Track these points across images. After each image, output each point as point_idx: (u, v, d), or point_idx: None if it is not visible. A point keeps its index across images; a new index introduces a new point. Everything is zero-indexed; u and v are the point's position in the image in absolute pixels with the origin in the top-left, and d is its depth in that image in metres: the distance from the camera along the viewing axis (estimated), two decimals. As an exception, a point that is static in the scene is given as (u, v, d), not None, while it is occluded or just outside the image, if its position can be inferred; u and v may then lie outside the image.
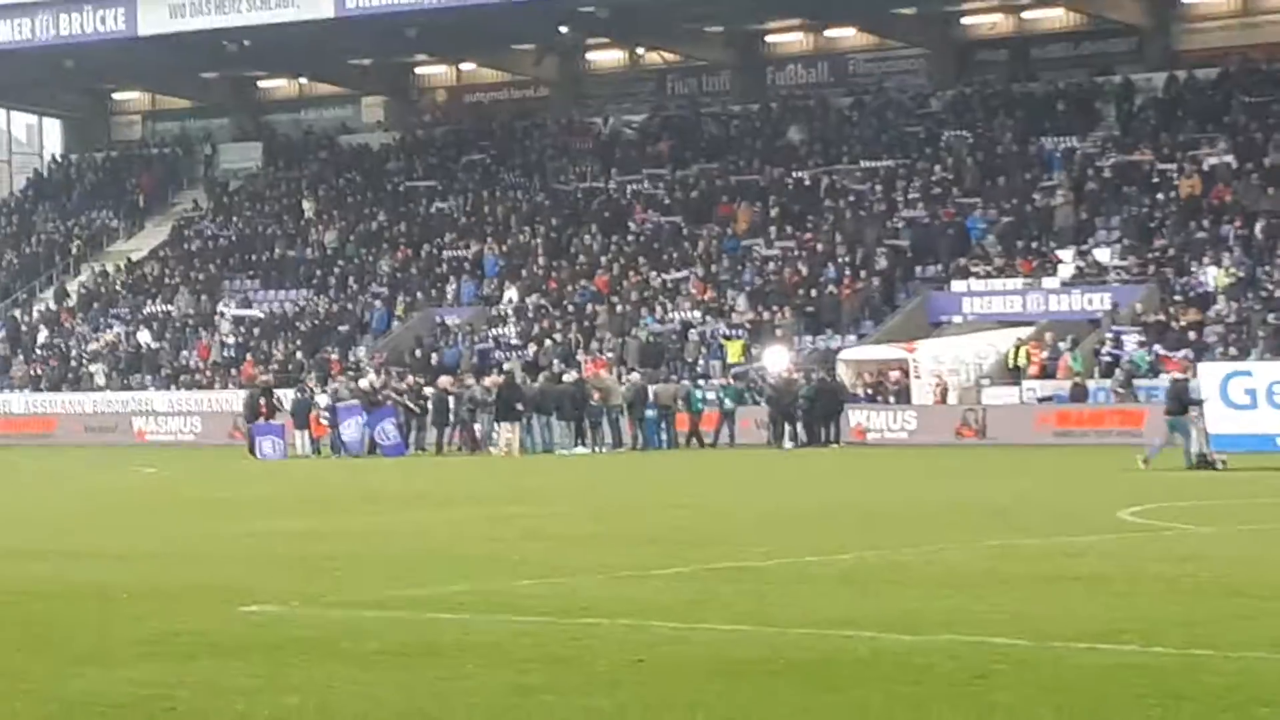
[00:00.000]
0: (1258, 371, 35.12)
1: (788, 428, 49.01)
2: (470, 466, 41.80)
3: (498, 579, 16.19)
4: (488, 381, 50.22)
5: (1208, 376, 34.47)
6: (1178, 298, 52.25)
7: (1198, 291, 52.14)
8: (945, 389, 51.81)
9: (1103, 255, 55.08)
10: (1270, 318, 49.73)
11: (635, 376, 51.28)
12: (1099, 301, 53.52)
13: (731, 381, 53.32)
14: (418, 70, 78.92)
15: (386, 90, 78.95)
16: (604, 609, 13.89)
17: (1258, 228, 53.56)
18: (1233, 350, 49.11)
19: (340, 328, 65.09)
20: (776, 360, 53.31)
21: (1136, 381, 49.06)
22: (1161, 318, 51.32)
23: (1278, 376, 34.38)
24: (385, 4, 64.32)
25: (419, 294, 66.27)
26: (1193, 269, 53.19)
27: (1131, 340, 50.81)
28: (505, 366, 57.64)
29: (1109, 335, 51.61)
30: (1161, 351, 49.86)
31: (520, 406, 47.95)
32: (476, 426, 48.68)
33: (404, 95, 79.18)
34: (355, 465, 43.18)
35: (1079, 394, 49.50)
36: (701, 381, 53.86)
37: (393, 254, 69.06)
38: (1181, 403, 33.84)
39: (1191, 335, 50.25)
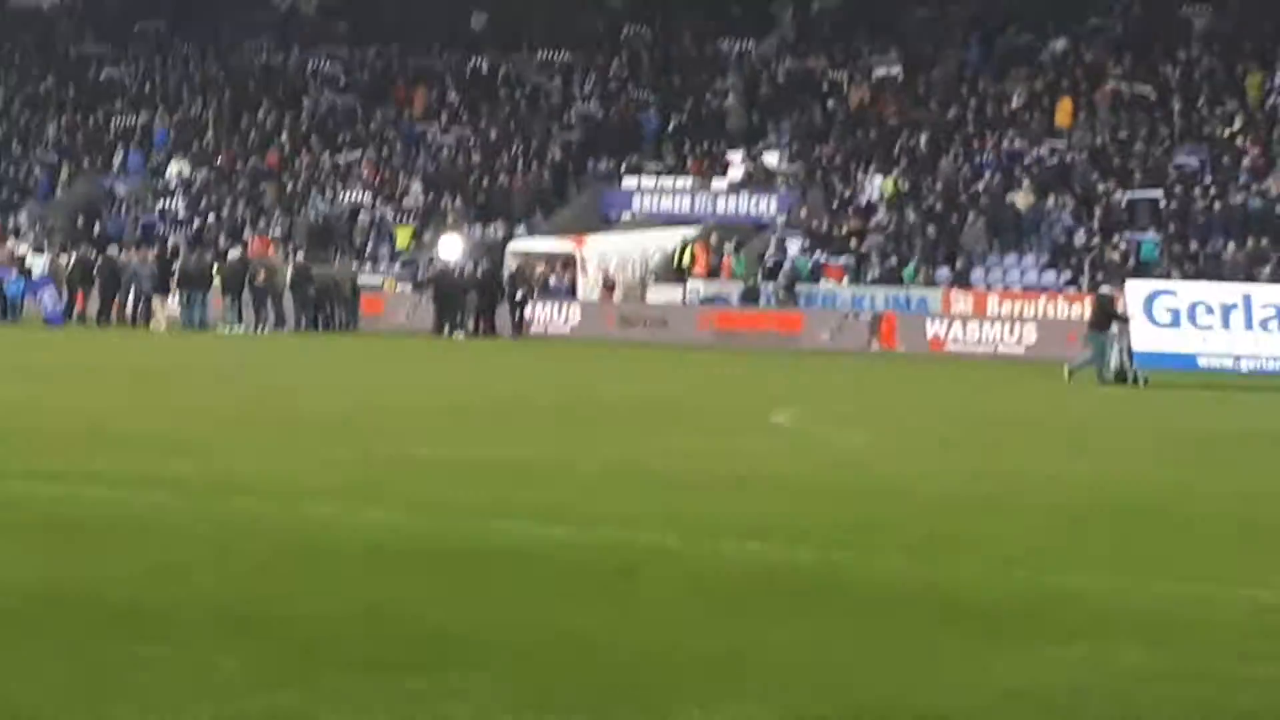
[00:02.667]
0: (1181, 291, 36.09)
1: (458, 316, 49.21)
2: (130, 340, 41.09)
3: (153, 457, 16.04)
4: (143, 253, 49.37)
5: (1133, 294, 35.23)
6: (835, 206, 53.42)
7: (861, 201, 53.37)
8: (612, 284, 52.34)
9: (771, 160, 56.01)
10: (929, 229, 51.13)
11: (300, 257, 50.87)
12: (766, 206, 54.48)
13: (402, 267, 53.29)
14: (92, -69, 76.71)
15: (58, -50, 76.65)
16: (259, 491, 13.88)
17: (922, 140, 54.91)
18: (892, 260, 50.45)
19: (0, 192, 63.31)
20: (451, 248, 53.31)
21: (798, 286, 50.13)
22: (824, 225, 52.46)
23: (1201, 297, 35.43)
24: None
25: (85, 162, 64.75)
26: (858, 178, 54.39)
27: (795, 246, 51.84)
28: (170, 240, 56.78)
29: (774, 239, 52.60)
30: (823, 258, 51.01)
31: (178, 281, 47.43)
32: (130, 299, 47.89)
33: (77, -43, 76.99)
34: (12, 334, 42.12)
35: (751, 296, 50.39)
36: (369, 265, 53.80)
37: (60, 119, 67.29)
38: (1106, 316, 34.61)
39: (853, 243, 51.48)
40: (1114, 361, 34.17)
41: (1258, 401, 30.80)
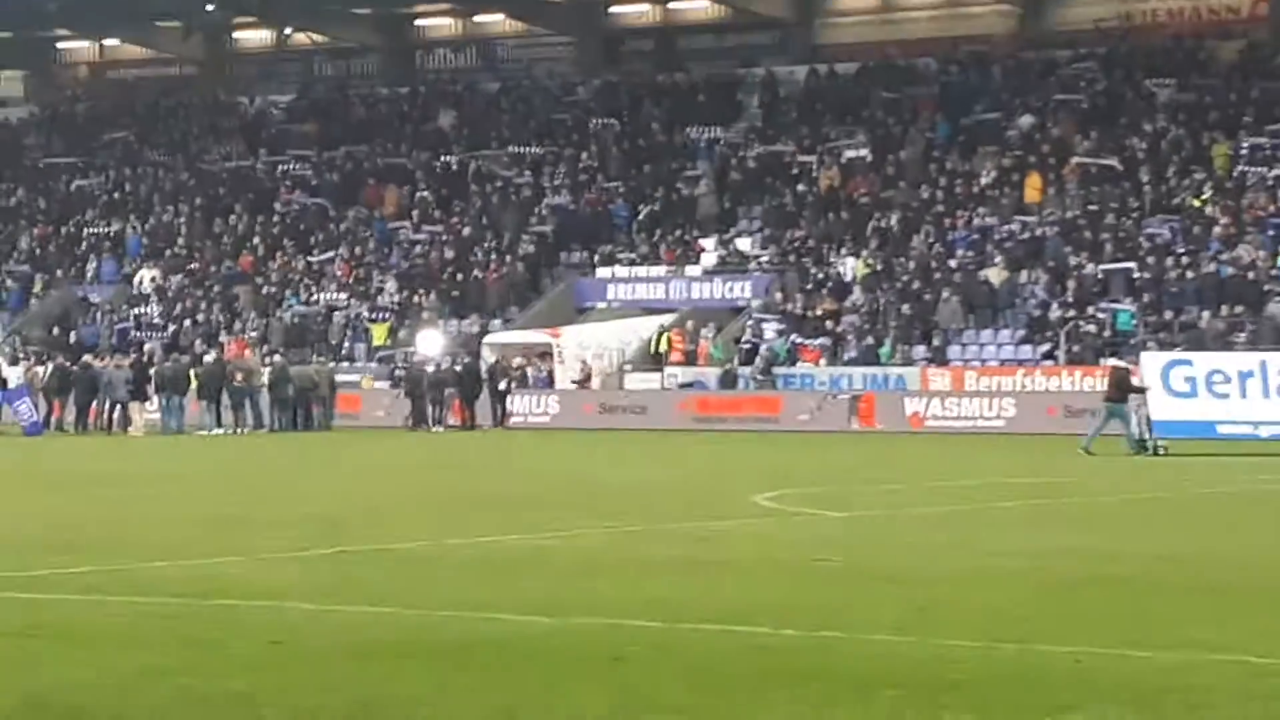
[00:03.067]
0: (1198, 361, 36.07)
1: (431, 410, 49.22)
2: (108, 447, 40.96)
3: (132, 560, 15.94)
4: (118, 360, 49.30)
5: (1150, 365, 35.32)
6: (809, 287, 53.46)
7: (835, 282, 53.46)
8: (589, 374, 52.31)
9: (744, 244, 56.15)
10: (904, 308, 51.21)
11: (277, 358, 50.79)
12: (740, 290, 54.57)
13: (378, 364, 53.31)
14: (59, 45, 76.99)
15: (27, 64, 76.82)
16: (241, 591, 13.78)
17: (893, 219, 55.09)
18: (869, 340, 50.50)
19: (-27, 305, 63.29)
20: (430, 344, 53.31)
21: (775, 369, 50.14)
22: (800, 308, 52.52)
23: (1217, 366, 35.52)
24: (25, -25, 62.52)
25: (59, 272, 64.74)
26: (831, 260, 54.51)
27: (771, 329, 51.90)
28: (146, 346, 56.72)
29: (749, 323, 52.66)
30: (799, 340, 51.06)
31: (156, 386, 47.42)
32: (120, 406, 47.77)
33: (45, 70, 77.17)
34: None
35: (728, 381, 50.38)
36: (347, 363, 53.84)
37: (31, 231, 67.31)
38: (1122, 389, 34.72)
39: (829, 324, 51.55)
40: (1134, 432, 34.30)
41: (1269, 467, 30.74)
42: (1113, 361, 37.25)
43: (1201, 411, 34.66)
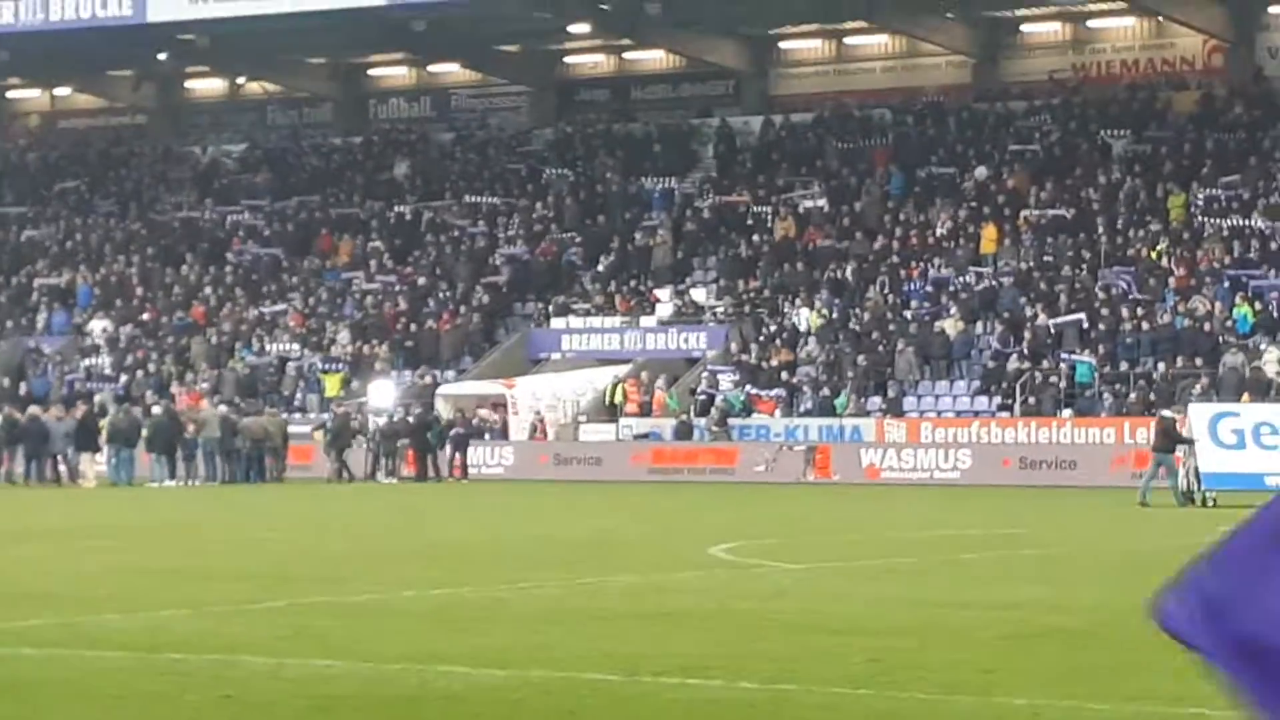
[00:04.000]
0: (1245, 413, 36.14)
1: (385, 462, 49.13)
2: (57, 499, 40.63)
3: (84, 614, 15.74)
4: (57, 411, 48.96)
5: (1197, 417, 35.29)
6: (764, 338, 53.46)
7: (790, 332, 53.47)
8: (539, 424, 52.16)
9: (699, 295, 56.12)
10: (860, 359, 51.24)
11: (222, 408, 50.32)
12: (695, 340, 54.54)
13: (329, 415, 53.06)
14: (9, 94, 76.73)
15: (-23, 113, 76.59)
16: (193, 645, 13.61)
17: (848, 270, 55.16)
18: (824, 391, 50.47)
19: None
20: (382, 395, 53.09)
21: (731, 420, 50.07)
22: (755, 358, 52.49)
23: (1264, 418, 35.55)
24: (-25, 25, 62.23)
25: (9, 322, 64.40)
26: (786, 310, 54.53)
27: (726, 379, 51.86)
28: (97, 398, 56.38)
29: (704, 374, 52.62)
30: (755, 391, 51.02)
31: (105, 437, 47.11)
32: (60, 458, 47.42)
33: (-5, 119, 76.93)
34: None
35: (683, 432, 50.28)
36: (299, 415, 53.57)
37: (-19, 281, 67.03)
38: (1170, 439, 34.75)
39: (784, 375, 51.55)
40: (1181, 483, 34.31)
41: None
42: (1164, 412, 37.22)
43: (1250, 463, 34.60)
